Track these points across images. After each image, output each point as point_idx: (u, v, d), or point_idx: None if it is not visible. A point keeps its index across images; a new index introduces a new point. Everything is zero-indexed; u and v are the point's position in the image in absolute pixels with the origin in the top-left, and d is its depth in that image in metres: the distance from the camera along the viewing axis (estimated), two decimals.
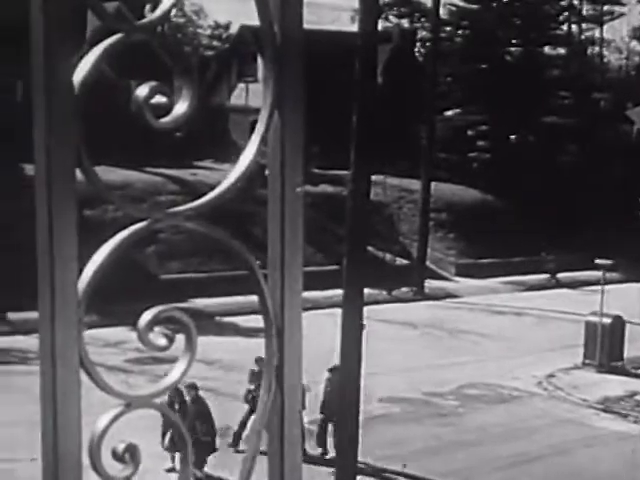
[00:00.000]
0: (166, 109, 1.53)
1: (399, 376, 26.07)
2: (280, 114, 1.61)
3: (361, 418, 17.67)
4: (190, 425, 17.97)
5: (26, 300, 23.12)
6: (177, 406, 18.22)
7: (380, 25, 31.72)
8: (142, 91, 1.48)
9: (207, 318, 30.59)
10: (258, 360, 18.26)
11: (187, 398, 18.49)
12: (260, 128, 1.60)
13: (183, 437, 1.63)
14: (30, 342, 26.20)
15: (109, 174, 33.30)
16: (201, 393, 18.85)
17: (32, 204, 1.49)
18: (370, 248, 28.03)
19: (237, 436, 19.87)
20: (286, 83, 1.60)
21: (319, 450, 20.03)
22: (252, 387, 19.51)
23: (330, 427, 19.96)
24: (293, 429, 1.67)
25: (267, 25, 1.58)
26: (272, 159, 1.64)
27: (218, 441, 19.08)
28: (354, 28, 26.79)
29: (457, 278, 43.82)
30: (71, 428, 1.45)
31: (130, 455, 1.53)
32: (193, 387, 18.45)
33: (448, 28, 55.55)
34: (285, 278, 1.64)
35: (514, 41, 55.78)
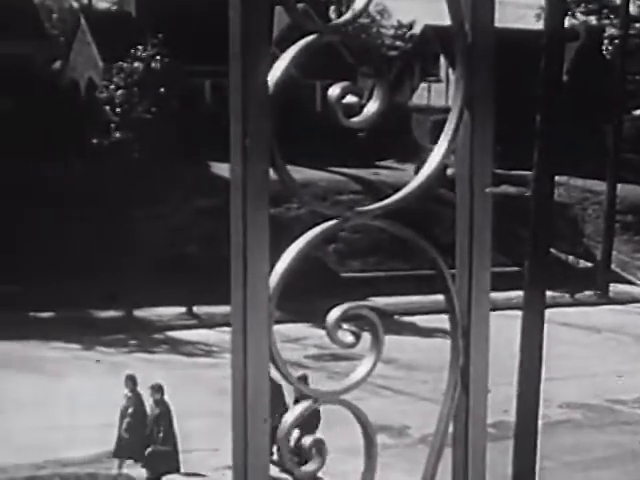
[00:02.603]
0: (354, 109, 1.54)
1: (581, 381, 25.45)
2: (470, 113, 1.59)
3: (540, 423, 17.34)
4: (149, 430, 16.77)
5: (214, 294, 23.73)
6: (131, 410, 16.92)
7: (567, 23, 31.05)
8: (334, 91, 1.49)
9: (386, 317, 30.65)
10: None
11: (150, 400, 17.01)
12: (449, 127, 1.59)
13: (371, 440, 1.62)
14: (216, 336, 26.85)
15: (293, 173, 33.71)
16: (166, 397, 17.18)
17: (225, 202, 1.53)
18: (553, 250, 27.48)
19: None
20: (477, 82, 1.58)
21: None
22: None
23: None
24: (478, 429, 1.65)
25: (458, 24, 1.57)
26: (461, 159, 1.62)
27: (394, 441, 18.98)
28: (540, 26, 26.32)
29: None
30: (260, 420, 1.48)
31: (317, 450, 1.54)
32: (158, 389, 17.08)
33: (638, 24, 53.85)
34: (473, 278, 1.62)
35: None
